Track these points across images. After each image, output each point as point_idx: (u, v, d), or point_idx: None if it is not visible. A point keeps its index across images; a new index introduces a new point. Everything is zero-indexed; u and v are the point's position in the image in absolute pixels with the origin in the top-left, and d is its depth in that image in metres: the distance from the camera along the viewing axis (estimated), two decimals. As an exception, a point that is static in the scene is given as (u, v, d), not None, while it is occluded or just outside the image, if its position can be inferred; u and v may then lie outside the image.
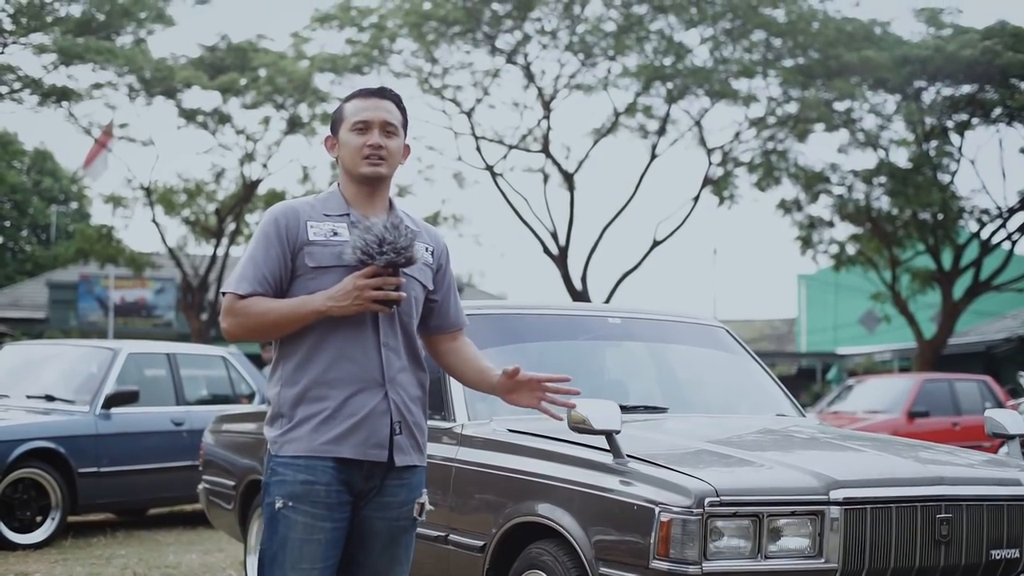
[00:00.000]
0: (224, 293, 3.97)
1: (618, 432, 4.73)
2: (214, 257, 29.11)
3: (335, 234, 3.96)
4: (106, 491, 10.69)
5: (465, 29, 25.78)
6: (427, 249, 4.12)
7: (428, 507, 4.13)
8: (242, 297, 3.91)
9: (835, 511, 4.49)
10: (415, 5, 25.57)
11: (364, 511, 3.98)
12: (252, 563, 7.68)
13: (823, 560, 4.48)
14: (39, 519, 10.16)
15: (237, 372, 12.48)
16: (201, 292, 29.40)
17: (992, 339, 35.76)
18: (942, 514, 4.65)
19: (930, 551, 4.63)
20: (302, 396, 3.92)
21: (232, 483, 7.95)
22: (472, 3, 25.37)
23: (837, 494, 4.50)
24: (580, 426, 4.75)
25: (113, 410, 10.78)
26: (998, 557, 4.77)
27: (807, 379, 41.05)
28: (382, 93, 4.08)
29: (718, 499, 4.37)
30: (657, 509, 4.41)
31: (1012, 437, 5.54)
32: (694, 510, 4.34)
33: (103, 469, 10.60)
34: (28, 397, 10.85)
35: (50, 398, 10.77)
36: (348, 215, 4.01)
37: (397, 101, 4.10)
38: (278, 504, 3.89)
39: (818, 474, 4.60)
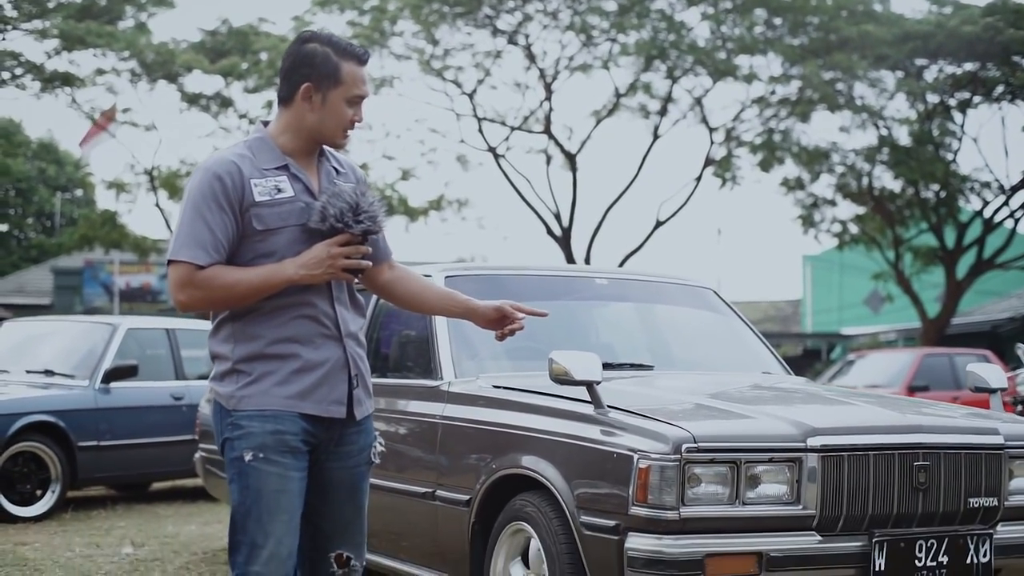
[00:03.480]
0: (173, 261, 3.78)
1: (598, 383, 4.77)
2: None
3: (279, 191, 3.84)
4: (106, 464, 10.74)
5: (466, 10, 25.81)
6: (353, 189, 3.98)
7: (382, 449, 4.14)
8: (201, 267, 3.77)
9: (812, 458, 4.52)
10: (416, -13, 25.61)
11: (325, 463, 3.96)
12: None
13: (801, 506, 4.52)
14: (39, 492, 10.22)
15: (236, 348, 12.53)
16: (205, 275, 29.47)
17: (996, 318, 35.75)
18: (919, 462, 4.69)
19: (908, 498, 4.67)
20: (261, 352, 3.84)
21: (227, 451, 8.00)
22: (473, -16, 25.40)
23: (814, 441, 4.54)
24: (562, 378, 4.80)
25: (112, 384, 10.84)
26: (976, 505, 4.81)
27: (812, 359, 41.05)
28: (368, 62, 3.97)
29: (696, 446, 4.41)
30: (636, 456, 4.46)
31: (993, 390, 5.58)
32: (671, 456, 4.38)
33: (103, 443, 10.66)
34: (28, 372, 10.91)
35: (50, 373, 10.83)
36: (287, 166, 3.89)
37: None
38: (247, 456, 3.79)
39: (796, 422, 4.64)
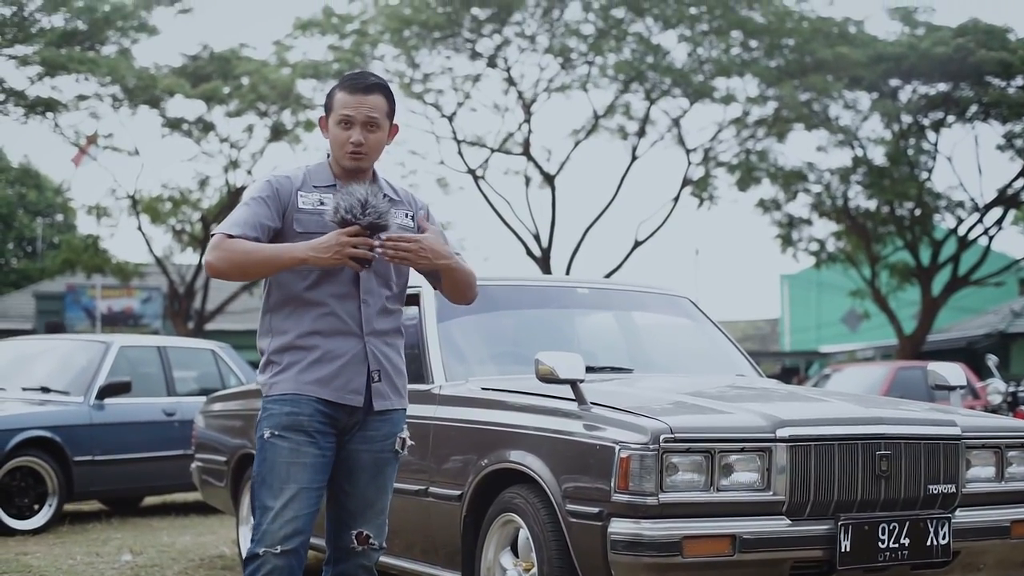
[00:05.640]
0: (215, 233, 4.34)
1: (582, 381, 5.11)
2: (200, 265, 29.39)
3: (321, 203, 4.36)
4: (101, 479, 11.00)
5: (446, 34, 26.18)
6: (407, 215, 4.52)
7: (410, 442, 4.55)
8: (231, 237, 4.28)
9: (781, 448, 4.87)
10: (396, 11, 25.96)
11: (349, 445, 4.42)
12: (244, 535, 8.04)
13: (771, 493, 4.86)
14: (36, 506, 10.47)
15: (226, 365, 12.81)
16: (188, 300, 29.70)
17: (972, 335, 36.18)
18: (881, 451, 5.03)
19: (871, 485, 5.01)
20: (290, 344, 4.37)
21: (224, 459, 8.30)
22: (452, 8, 25.75)
23: (783, 432, 4.88)
24: (548, 377, 5.13)
25: (106, 401, 11.10)
26: (935, 491, 5.15)
27: (791, 377, 41.43)
28: (367, 89, 4.40)
29: (673, 436, 4.74)
30: (617, 447, 4.79)
31: (952, 388, 5.93)
32: (650, 446, 4.72)
33: (97, 457, 10.91)
34: (24, 389, 11.16)
35: (45, 390, 11.08)
36: (335, 186, 4.40)
37: (384, 91, 4.44)
38: (266, 434, 4.33)
39: (766, 415, 4.99)
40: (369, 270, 4.34)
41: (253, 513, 4.36)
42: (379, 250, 4.25)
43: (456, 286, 4.54)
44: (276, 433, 4.31)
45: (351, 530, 4.47)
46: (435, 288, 4.62)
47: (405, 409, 4.54)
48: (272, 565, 4.26)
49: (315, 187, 4.40)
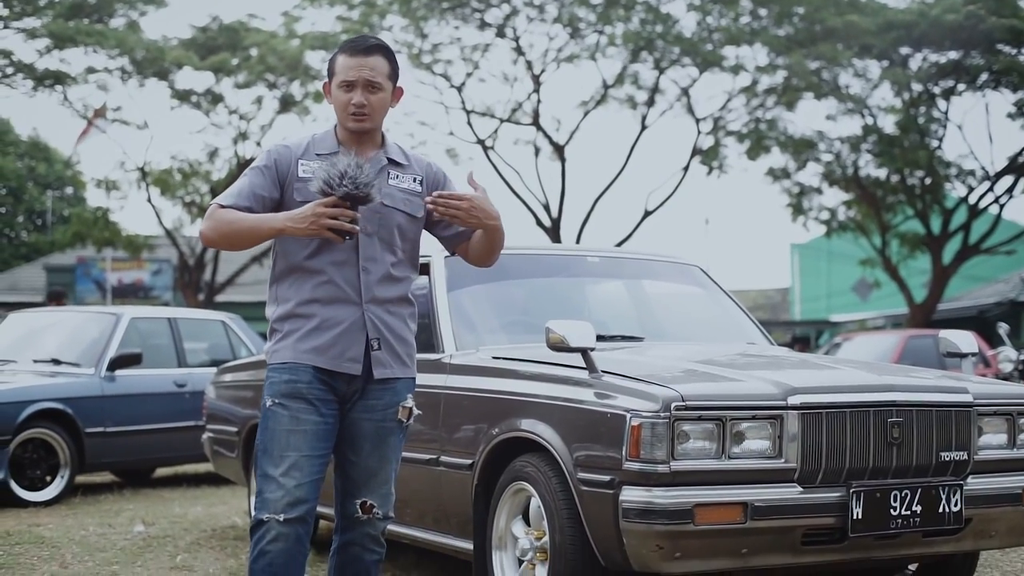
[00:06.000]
0: (211, 204, 4.40)
1: (593, 349, 5.10)
2: (210, 237, 29.25)
3: None
4: (112, 450, 11.03)
5: (454, 4, 26.08)
6: (415, 179, 4.49)
7: (417, 412, 4.52)
8: (223, 207, 4.33)
9: (793, 415, 4.86)
10: (404, -19, 25.87)
11: (352, 414, 4.42)
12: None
13: (783, 460, 4.85)
14: (48, 478, 10.51)
15: (236, 336, 12.81)
16: (198, 272, 29.69)
17: (983, 303, 36.10)
18: (893, 418, 5.02)
19: (883, 452, 5.00)
20: (291, 313, 4.38)
21: (235, 430, 8.32)
22: (460, -22, 25.66)
23: (795, 400, 4.87)
24: (558, 345, 5.12)
25: (117, 372, 11.12)
26: (947, 458, 5.14)
27: (802, 345, 41.42)
28: (367, 51, 4.38)
29: (684, 404, 4.74)
30: (628, 415, 4.78)
31: (964, 355, 5.91)
32: (662, 414, 4.71)
33: (109, 429, 10.94)
34: (35, 361, 11.19)
35: (56, 362, 11.11)
36: (338, 152, 4.36)
37: (385, 53, 4.41)
38: (268, 403, 4.35)
39: (777, 382, 4.98)
40: (369, 238, 4.34)
41: (257, 479, 4.39)
42: (430, 206, 4.29)
43: (492, 247, 4.55)
44: (277, 401, 4.33)
45: (356, 499, 4.47)
46: (452, 252, 4.62)
47: (413, 379, 4.52)
48: (277, 532, 4.26)
49: (317, 155, 4.39)
